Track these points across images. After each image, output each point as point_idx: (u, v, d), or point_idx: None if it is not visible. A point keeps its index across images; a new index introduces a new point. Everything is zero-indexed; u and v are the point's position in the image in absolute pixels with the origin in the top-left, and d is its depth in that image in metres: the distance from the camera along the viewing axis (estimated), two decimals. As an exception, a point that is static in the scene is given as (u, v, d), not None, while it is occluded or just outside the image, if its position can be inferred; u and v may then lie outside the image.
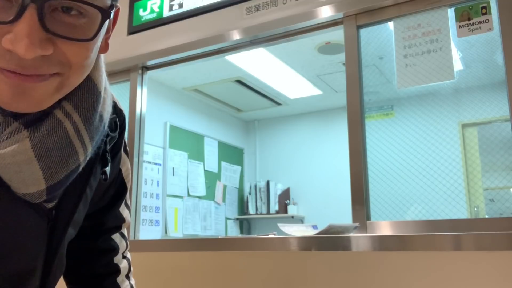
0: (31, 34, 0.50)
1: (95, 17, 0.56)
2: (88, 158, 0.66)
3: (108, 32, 0.64)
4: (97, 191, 0.78)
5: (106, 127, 0.70)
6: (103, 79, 0.68)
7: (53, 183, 0.62)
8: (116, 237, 0.91)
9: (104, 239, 0.89)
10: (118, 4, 0.62)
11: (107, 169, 0.76)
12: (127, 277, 0.94)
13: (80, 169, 0.66)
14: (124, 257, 0.94)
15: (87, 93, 0.64)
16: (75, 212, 0.71)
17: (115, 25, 0.65)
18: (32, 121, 0.59)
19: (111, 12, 0.57)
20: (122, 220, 0.92)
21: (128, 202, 0.94)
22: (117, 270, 0.90)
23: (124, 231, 0.94)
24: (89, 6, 0.54)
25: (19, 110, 0.56)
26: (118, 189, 0.87)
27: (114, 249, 0.90)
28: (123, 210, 0.91)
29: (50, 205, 0.66)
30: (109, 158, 0.76)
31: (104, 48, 0.64)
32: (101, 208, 0.85)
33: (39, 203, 0.64)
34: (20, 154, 0.57)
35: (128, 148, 0.89)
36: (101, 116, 0.67)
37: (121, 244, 0.92)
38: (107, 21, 0.58)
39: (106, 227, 0.89)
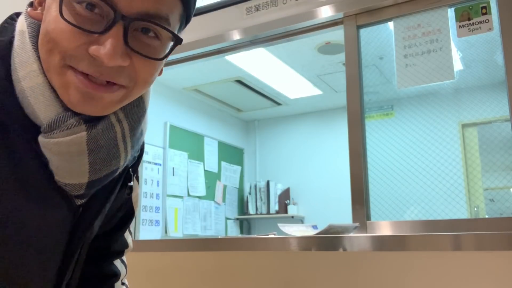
0: (116, 46, 0.59)
1: (167, 41, 0.65)
2: (125, 165, 0.72)
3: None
4: (111, 208, 0.81)
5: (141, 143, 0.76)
6: (149, 101, 0.74)
7: (94, 179, 0.67)
8: (117, 262, 0.92)
9: (107, 264, 0.90)
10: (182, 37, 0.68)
11: (131, 184, 0.81)
12: None
13: (117, 173, 0.71)
14: (123, 283, 0.95)
15: (137, 107, 0.71)
16: (100, 214, 0.74)
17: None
18: (90, 120, 0.65)
19: (182, 39, 0.66)
20: (126, 245, 0.93)
21: (131, 229, 0.95)
22: None
23: (124, 257, 0.95)
24: (165, 30, 0.63)
25: (84, 112, 0.63)
26: (126, 213, 0.88)
27: (116, 275, 0.91)
28: (127, 236, 0.93)
29: (80, 202, 0.71)
30: (132, 174, 0.81)
31: (160, 72, 0.71)
32: (108, 230, 0.87)
33: (71, 198, 0.69)
34: (75, 145, 0.63)
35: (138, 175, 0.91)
36: (141, 131, 0.73)
37: (122, 270, 0.93)
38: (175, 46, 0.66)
39: (111, 250, 0.90)
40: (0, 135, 0.61)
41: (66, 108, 0.63)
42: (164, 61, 0.68)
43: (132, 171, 0.82)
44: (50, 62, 0.60)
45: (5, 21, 0.68)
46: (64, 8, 0.58)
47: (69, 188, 0.66)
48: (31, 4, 0.68)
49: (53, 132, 0.62)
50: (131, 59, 0.61)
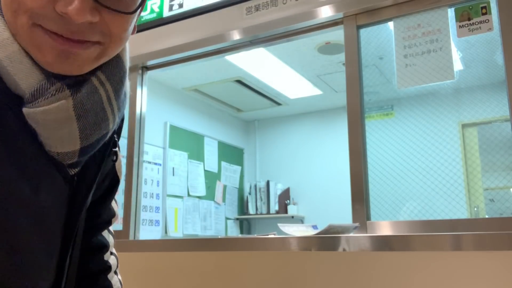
0: (84, 1, 0.56)
1: None
2: (114, 129, 0.71)
3: (139, 14, 0.68)
4: (100, 176, 0.80)
5: (126, 106, 0.74)
6: (128, 60, 0.73)
7: (86, 145, 0.65)
8: (105, 233, 0.93)
9: (96, 235, 0.90)
10: None
11: (116, 150, 0.80)
12: (115, 272, 0.95)
13: (107, 137, 0.70)
14: (111, 253, 0.95)
15: (116, 67, 0.69)
16: (94, 183, 0.74)
17: (142, 10, 0.69)
18: (73, 84, 0.63)
19: None
20: (113, 213, 0.94)
21: (116, 197, 0.96)
22: (108, 267, 0.92)
23: (111, 227, 0.96)
24: None
25: (61, 72, 0.61)
26: (112, 181, 0.88)
27: (105, 246, 0.91)
28: (113, 204, 0.94)
29: (73, 171, 0.69)
30: (116, 140, 0.79)
31: (133, 30, 0.68)
32: (96, 199, 0.86)
33: (64, 168, 0.67)
34: (62, 111, 0.61)
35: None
36: (125, 93, 0.72)
37: (110, 239, 0.94)
38: (146, 0, 0.63)
39: (101, 220, 0.90)
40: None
41: (46, 75, 0.61)
42: (136, 15, 0.65)
43: (116, 137, 0.80)
44: (17, 24, 0.57)
45: None
46: None
47: (61, 157, 0.65)
48: None
49: (38, 101, 0.60)
50: (101, 15, 0.59)
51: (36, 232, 0.64)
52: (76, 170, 0.70)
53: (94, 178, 0.74)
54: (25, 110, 0.61)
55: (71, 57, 0.60)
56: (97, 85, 0.65)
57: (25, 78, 0.60)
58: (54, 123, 0.62)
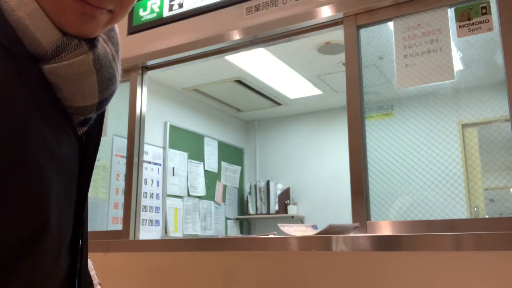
0: None
1: None
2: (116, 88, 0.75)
3: None
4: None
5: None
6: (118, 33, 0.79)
7: (102, 99, 0.69)
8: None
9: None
10: None
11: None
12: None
13: (114, 94, 0.74)
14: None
15: (113, 32, 0.75)
16: (99, 143, 0.76)
17: None
18: (88, 41, 0.67)
19: None
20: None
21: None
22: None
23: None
24: None
25: (78, 33, 0.65)
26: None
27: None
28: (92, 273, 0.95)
29: (82, 130, 0.72)
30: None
31: None
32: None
33: (75, 127, 0.69)
34: (84, 64, 0.65)
35: None
36: (119, 60, 0.76)
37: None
38: None
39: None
40: (12, 64, 0.59)
41: (63, 33, 0.64)
42: None
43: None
44: (58, 6, 0.62)
45: None
46: None
47: (82, 111, 0.68)
48: None
49: (60, 56, 0.63)
50: None
51: (62, 188, 0.65)
52: (85, 128, 0.72)
53: (98, 139, 0.76)
54: (47, 66, 0.63)
55: (89, 20, 0.65)
56: (104, 44, 0.70)
57: (46, 35, 0.62)
58: (78, 77, 0.65)
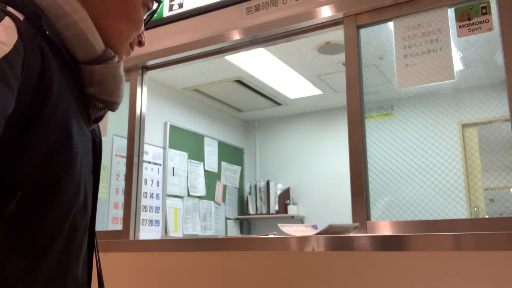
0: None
1: None
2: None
3: None
4: None
5: None
6: None
7: (119, 101, 0.88)
8: None
9: None
10: None
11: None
12: None
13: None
14: None
15: None
16: (102, 141, 0.92)
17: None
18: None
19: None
20: None
21: None
22: None
23: None
24: None
25: (120, 55, 0.90)
26: None
27: None
28: None
29: (93, 126, 0.87)
30: None
31: None
32: None
33: (90, 121, 0.83)
34: (119, 69, 0.86)
35: None
36: None
37: None
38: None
39: None
40: (62, 61, 0.74)
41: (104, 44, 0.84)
42: None
43: None
44: (122, 34, 0.87)
45: None
46: None
47: (113, 106, 0.87)
48: None
49: (109, 59, 0.83)
50: None
51: (88, 174, 0.80)
52: (95, 125, 0.89)
53: (100, 136, 0.92)
54: (99, 66, 0.82)
55: (130, 53, 0.93)
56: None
57: (98, 44, 0.82)
58: (118, 77, 0.85)
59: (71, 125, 0.71)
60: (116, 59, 0.85)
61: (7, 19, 0.64)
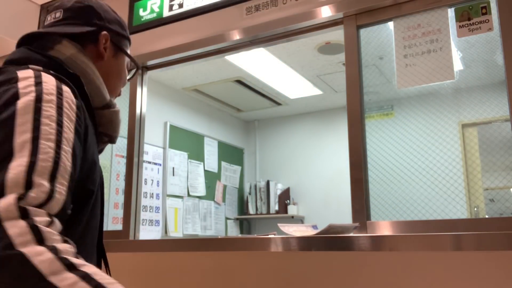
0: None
1: None
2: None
3: None
4: None
5: None
6: None
7: (118, 136, 1.16)
8: None
9: None
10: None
11: None
12: None
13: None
14: None
15: None
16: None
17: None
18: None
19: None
20: None
21: None
22: None
23: None
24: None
25: (115, 97, 1.23)
26: None
27: None
28: None
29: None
30: None
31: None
32: None
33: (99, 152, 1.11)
34: (119, 113, 1.14)
35: None
36: None
37: None
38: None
39: None
40: (87, 108, 0.99)
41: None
42: None
43: None
44: (116, 88, 1.20)
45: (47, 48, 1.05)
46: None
47: (112, 139, 1.14)
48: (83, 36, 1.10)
49: (114, 105, 1.12)
50: None
51: (101, 184, 1.06)
52: (99, 154, 1.11)
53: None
54: (108, 110, 1.10)
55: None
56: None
57: (107, 95, 1.10)
58: (118, 117, 1.14)
59: (96, 154, 1.01)
60: (117, 106, 1.13)
61: (64, 87, 0.91)
